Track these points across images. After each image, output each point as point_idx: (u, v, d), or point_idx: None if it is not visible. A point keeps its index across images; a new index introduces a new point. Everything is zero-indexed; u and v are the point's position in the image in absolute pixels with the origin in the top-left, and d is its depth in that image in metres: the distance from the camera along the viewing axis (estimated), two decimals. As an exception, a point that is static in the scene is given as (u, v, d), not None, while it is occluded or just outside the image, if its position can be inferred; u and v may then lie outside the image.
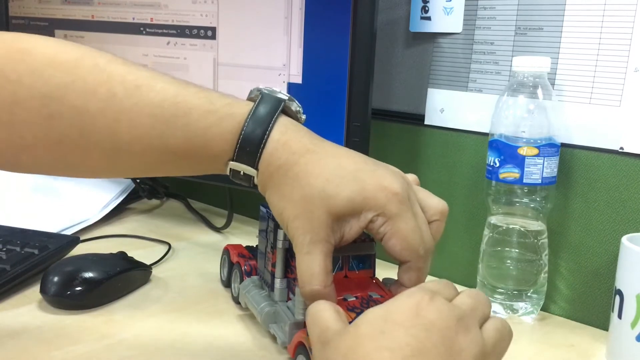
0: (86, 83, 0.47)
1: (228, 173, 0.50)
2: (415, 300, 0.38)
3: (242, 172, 0.50)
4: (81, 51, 0.49)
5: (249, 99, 0.51)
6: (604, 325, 0.63)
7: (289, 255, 0.57)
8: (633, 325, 0.54)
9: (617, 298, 0.56)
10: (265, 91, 0.51)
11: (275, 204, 0.50)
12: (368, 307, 0.49)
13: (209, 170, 0.52)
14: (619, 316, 0.56)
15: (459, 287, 0.75)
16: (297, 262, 0.49)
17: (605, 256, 0.65)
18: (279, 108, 0.50)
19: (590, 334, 0.65)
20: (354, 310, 0.48)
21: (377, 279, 0.55)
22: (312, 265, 0.48)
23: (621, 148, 0.63)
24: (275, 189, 0.49)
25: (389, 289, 0.54)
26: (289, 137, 0.49)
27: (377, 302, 0.50)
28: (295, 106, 0.52)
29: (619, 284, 0.56)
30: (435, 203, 0.51)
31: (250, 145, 0.49)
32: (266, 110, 0.49)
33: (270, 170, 0.49)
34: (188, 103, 0.49)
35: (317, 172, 0.48)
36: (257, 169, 0.49)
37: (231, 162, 0.49)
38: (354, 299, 0.50)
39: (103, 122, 0.48)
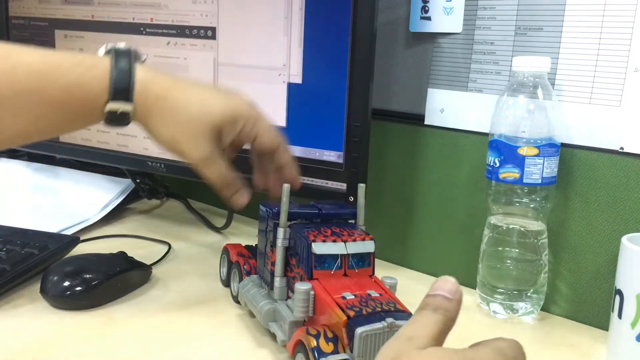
0: None
1: (104, 118, 0.58)
2: None
3: (118, 110, 0.57)
4: None
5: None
6: (604, 325, 0.63)
7: (289, 254, 0.57)
8: (633, 325, 0.54)
9: (617, 298, 0.56)
10: (114, 47, 0.60)
11: (163, 132, 0.59)
12: (367, 306, 0.49)
13: (87, 119, 0.59)
14: (619, 316, 0.56)
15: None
16: (205, 173, 0.61)
17: (605, 256, 0.65)
18: (132, 55, 0.59)
19: (590, 334, 0.65)
20: (352, 309, 0.48)
21: (376, 277, 0.55)
22: (219, 168, 0.61)
23: (621, 148, 0.63)
24: (158, 117, 0.59)
25: (389, 287, 0.54)
26: (153, 74, 0.59)
27: (376, 301, 0.50)
28: (143, 56, 0.63)
29: (619, 284, 0.56)
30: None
31: (122, 82, 0.57)
32: (125, 58, 0.58)
33: (150, 101, 0.58)
34: (56, 59, 0.57)
35: (191, 97, 0.60)
36: (132, 102, 0.57)
37: (109, 104, 0.57)
38: (353, 297, 0.51)
39: None
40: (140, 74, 0.58)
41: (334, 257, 0.54)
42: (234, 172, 0.63)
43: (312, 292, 0.52)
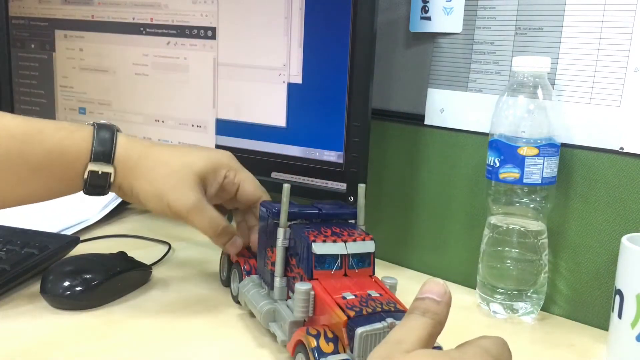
0: None
1: (84, 179, 0.60)
2: None
3: (100, 171, 0.60)
4: None
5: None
6: (604, 325, 0.63)
7: (289, 254, 0.57)
8: (633, 325, 0.54)
9: (617, 298, 0.56)
10: (94, 122, 0.63)
11: (147, 189, 0.61)
12: (367, 306, 0.49)
13: (66, 184, 0.61)
14: (619, 316, 0.56)
15: (459, 287, 0.75)
16: (195, 222, 0.61)
17: (605, 256, 0.65)
18: (114, 127, 0.62)
19: (590, 334, 0.65)
20: (352, 309, 0.48)
21: (376, 277, 0.55)
22: (210, 215, 0.62)
23: (621, 148, 0.63)
24: (141, 176, 0.61)
25: (388, 287, 0.54)
26: (132, 140, 0.62)
27: (376, 301, 0.50)
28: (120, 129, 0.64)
29: (619, 284, 0.56)
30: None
31: (104, 145, 0.60)
32: (106, 128, 0.61)
33: (132, 162, 0.61)
34: (38, 124, 0.59)
35: (171, 152, 0.63)
36: (113, 166, 0.60)
37: (90, 165, 0.59)
38: (353, 297, 0.50)
39: None
40: (121, 139, 0.61)
41: (334, 257, 0.54)
42: (225, 220, 0.64)
43: (312, 292, 0.52)
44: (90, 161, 0.59)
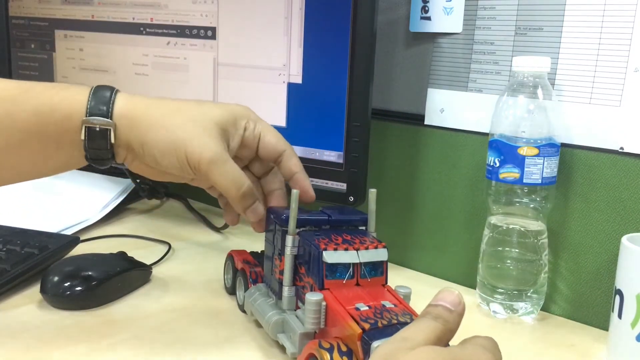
0: None
1: (82, 140, 0.53)
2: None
3: (97, 126, 0.53)
4: None
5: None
6: (604, 325, 0.63)
7: (298, 262, 0.55)
8: (633, 325, 0.54)
9: (617, 298, 0.56)
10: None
11: (163, 138, 0.53)
12: (382, 317, 0.47)
13: (66, 148, 0.54)
14: (619, 316, 0.56)
15: (459, 287, 0.75)
16: (216, 175, 0.54)
17: (605, 256, 0.65)
18: (114, 87, 0.56)
19: (590, 334, 0.65)
20: (367, 321, 0.46)
21: (389, 286, 0.53)
22: (233, 170, 0.55)
23: (621, 148, 0.63)
24: (156, 126, 0.53)
25: (402, 297, 0.52)
26: (135, 95, 0.55)
27: (391, 312, 0.48)
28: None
29: (619, 284, 0.56)
30: None
31: (100, 100, 0.53)
32: (105, 86, 0.55)
33: (137, 114, 0.54)
34: (29, 85, 0.54)
35: (184, 102, 0.56)
36: (113, 121, 0.53)
37: (84, 119, 0.53)
38: (367, 308, 0.48)
39: None
40: (122, 94, 0.55)
41: (346, 266, 0.51)
42: (249, 179, 0.57)
43: (323, 303, 0.50)
44: (85, 116, 0.53)
